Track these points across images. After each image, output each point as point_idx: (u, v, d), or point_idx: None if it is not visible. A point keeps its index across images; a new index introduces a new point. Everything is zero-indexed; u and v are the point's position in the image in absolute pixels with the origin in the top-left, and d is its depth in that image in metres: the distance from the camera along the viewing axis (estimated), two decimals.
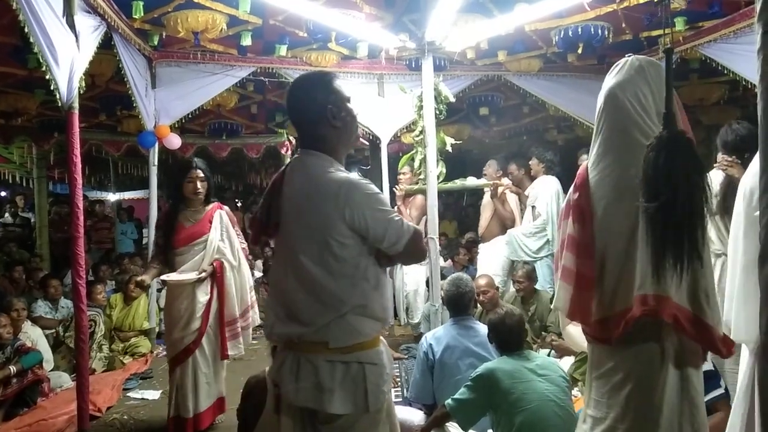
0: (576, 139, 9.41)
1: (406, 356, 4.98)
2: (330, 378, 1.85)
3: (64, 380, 4.76)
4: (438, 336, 3.48)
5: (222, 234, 3.80)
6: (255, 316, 4.04)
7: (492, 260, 5.74)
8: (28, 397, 4.28)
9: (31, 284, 6.46)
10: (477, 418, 2.84)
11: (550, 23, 5.33)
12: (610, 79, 1.96)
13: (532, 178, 5.88)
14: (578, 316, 1.94)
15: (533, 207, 5.57)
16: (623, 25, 5.44)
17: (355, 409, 1.86)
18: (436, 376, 3.43)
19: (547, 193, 5.48)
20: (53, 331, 5.33)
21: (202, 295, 3.71)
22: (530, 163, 5.80)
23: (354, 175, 1.95)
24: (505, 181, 5.80)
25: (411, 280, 5.94)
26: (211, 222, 3.77)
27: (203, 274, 3.66)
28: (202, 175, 3.73)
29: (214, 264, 3.72)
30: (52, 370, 4.80)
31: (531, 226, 5.50)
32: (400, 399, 3.96)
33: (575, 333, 2.26)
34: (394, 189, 5.77)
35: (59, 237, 8.78)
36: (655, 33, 5.65)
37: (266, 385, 2.36)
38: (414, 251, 1.97)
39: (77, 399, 3.34)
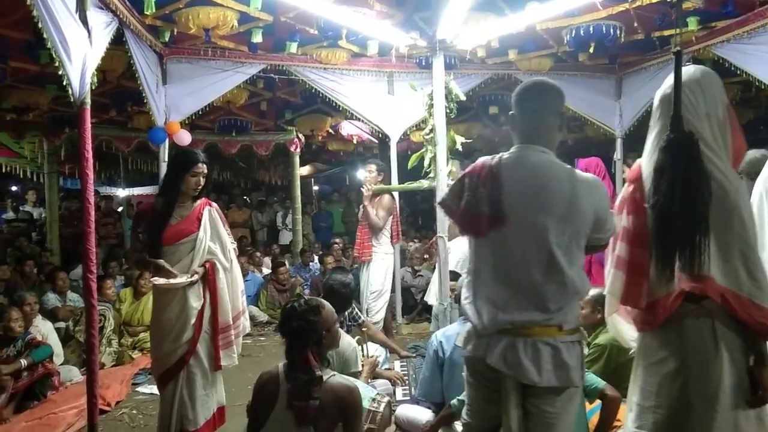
0: (586, 138, 9.38)
1: (414, 354, 4.97)
2: (569, 356, 2.05)
3: (74, 374, 4.78)
4: (448, 334, 3.47)
5: (212, 233, 3.43)
6: (246, 323, 3.68)
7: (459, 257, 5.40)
8: (38, 390, 4.31)
9: (42, 278, 6.51)
10: None
11: (561, 22, 5.30)
12: (667, 82, 2.10)
13: None
14: (630, 301, 2.10)
15: None
16: (635, 24, 5.41)
17: (580, 381, 2.11)
18: (445, 374, 3.42)
19: None
20: (65, 324, 5.37)
21: (195, 300, 3.32)
22: None
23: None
24: None
25: (376, 280, 5.53)
26: (199, 220, 3.37)
27: (195, 277, 3.29)
28: (206, 171, 3.40)
29: (206, 265, 3.36)
30: (62, 364, 4.82)
31: None
32: (408, 397, 3.95)
33: (621, 323, 2.35)
34: (361, 189, 5.63)
35: (69, 232, 8.83)
36: (667, 33, 5.61)
37: (279, 380, 2.35)
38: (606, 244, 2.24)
39: (87, 393, 3.35)
